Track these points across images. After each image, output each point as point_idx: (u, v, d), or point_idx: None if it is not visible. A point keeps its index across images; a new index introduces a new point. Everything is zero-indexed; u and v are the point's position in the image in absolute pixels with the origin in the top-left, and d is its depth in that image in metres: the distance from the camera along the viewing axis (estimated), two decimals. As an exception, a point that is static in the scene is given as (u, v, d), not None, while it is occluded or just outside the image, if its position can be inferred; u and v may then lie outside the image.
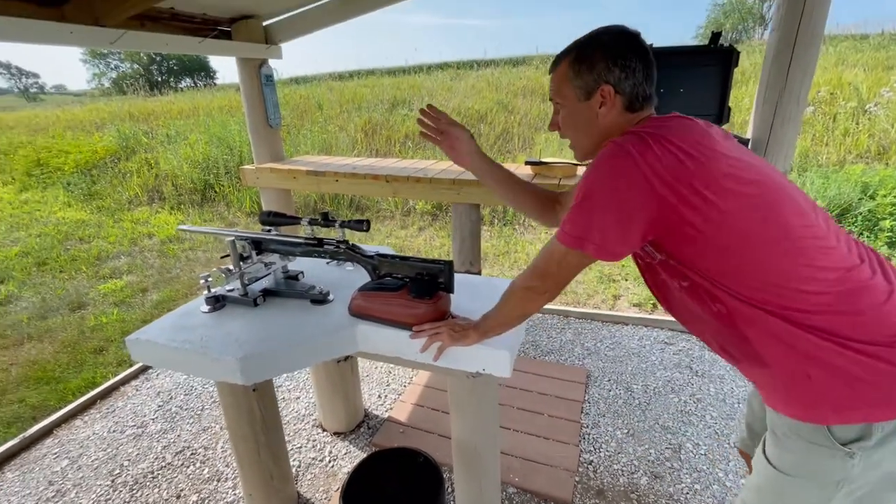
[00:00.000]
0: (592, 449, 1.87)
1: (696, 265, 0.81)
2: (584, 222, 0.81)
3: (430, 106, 1.24)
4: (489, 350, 1.15)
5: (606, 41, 0.88)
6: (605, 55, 0.87)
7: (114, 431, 2.11)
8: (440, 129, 1.22)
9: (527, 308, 1.01)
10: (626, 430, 1.95)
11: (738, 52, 2.10)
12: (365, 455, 1.89)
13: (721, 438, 1.88)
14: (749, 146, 2.05)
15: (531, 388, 2.21)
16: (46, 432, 2.12)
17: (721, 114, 2.20)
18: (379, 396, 2.26)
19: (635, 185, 0.76)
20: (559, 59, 0.94)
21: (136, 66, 29.68)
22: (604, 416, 2.05)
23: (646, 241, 0.84)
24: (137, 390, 2.41)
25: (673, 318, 1.00)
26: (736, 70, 2.12)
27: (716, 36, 2.12)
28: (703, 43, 2.22)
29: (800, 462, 0.81)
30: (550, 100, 0.99)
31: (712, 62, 2.12)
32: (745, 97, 6.11)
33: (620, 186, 0.77)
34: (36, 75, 48.39)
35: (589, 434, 1.94)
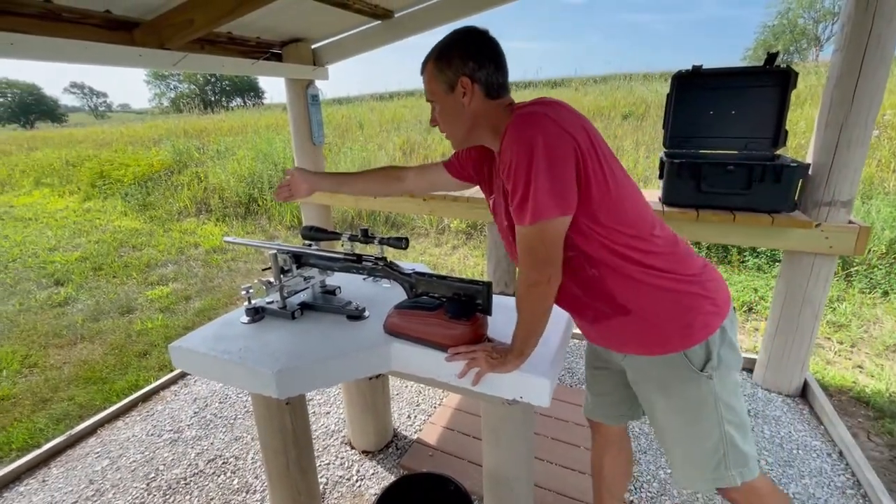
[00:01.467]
0: (633, 488, 1.75)
1: (591, 212, 0.92)
2: (540, 188, 0.86)
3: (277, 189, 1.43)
4: (528, 377, 1.10)
5: (459, 40, 1.00)
6: (458, 52, 0.99)
7: (152, 435, 2.17)
8: (288, 189, 1.39)
9: (543, 304, 1.01)
10: (669, 471, 1.82)
11: (797, 73, 2.01)
12: (393, 477, 1.85)
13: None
14: (810, 171, 1.92)
15: (567, 417, 2.11)
16: (91, 431, 2.21)
17: (777, 137, 2.09)
18: (409, 416, 2.22)
19: (561, 138, 0.87)
20: (425, 61, 1.05)
21: (192, 86, 31.84)
22: (645, 453, 1.92)
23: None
24: (176, 395, 2.48)
25: None
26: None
27: (772, 57, 2.04)
28: (753, 65, 2.14)
29: (683, 398, 1.02)
30: (428, 101, 1.09)
31: (769, 83, 2.03)
32: (799, 120, 5.83)
33: (551, 143, 0.86)
34: (105, 95, 52.79)
35: (629, 472, 1.82)
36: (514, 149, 0.88)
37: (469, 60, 0.99)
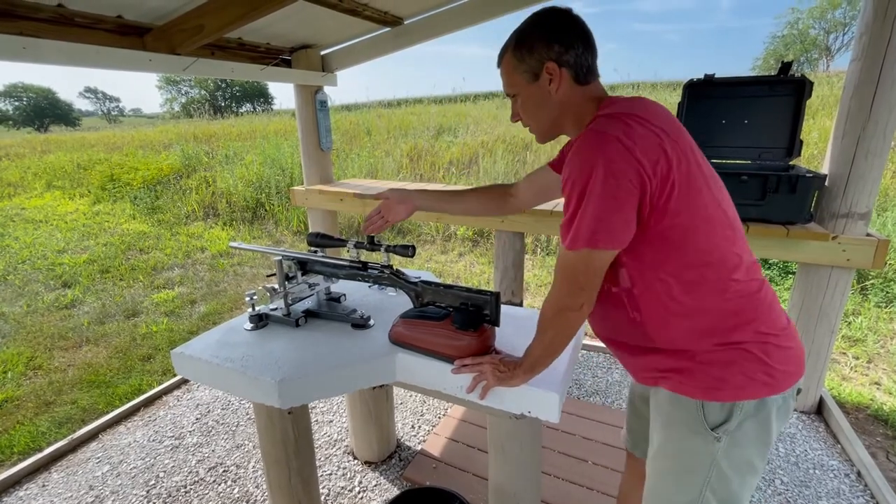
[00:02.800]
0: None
1: (654, 249, 0.84)
2: (594, 217, 0.80)
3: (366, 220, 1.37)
4: (537, 391, 1.07)
5: (540, 22, 0.91)
6: (541, 36, 0.90)
7: (153, 441, 2.15)
8: (381, 217, 1.34)
9: (569, 331, 0.95)
10: None
11: (812, 83, 1.97)
12: (396, 489, 1.81)
13: (793, 508, 1.66)
14: (826, 182, 1.88)
15: (574, 431, 2.07)
16: (92, 436, 2.19)
17: (792, 146, 2.05)
18: (412, 427, 2.19)
19: (629, 169, 0.77)
20: (502, 52, 0.97)
21: (203, 92, 32.28)
22: (655, 469, 1.87)
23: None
24: (178, 401, 2.46)
25: None
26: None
27: (786, 66, 2.00)
28: (767, 74, 2.11)
29: (680, 445, 0.92)
30: (507, 95, 1.01)
31: (783, 93, 2.00)
32: (812, 130, 5.77)
33: (616, 172, 0.77)
34: (117, 99, 53.62)
35: (638, 489, 1.77)
36: (575, 166, 0.81)
37: (554, 43, 0.89)
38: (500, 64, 0.98)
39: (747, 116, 2.12)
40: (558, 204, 2.37)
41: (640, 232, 0.83)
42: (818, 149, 5.41)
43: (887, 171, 4.98)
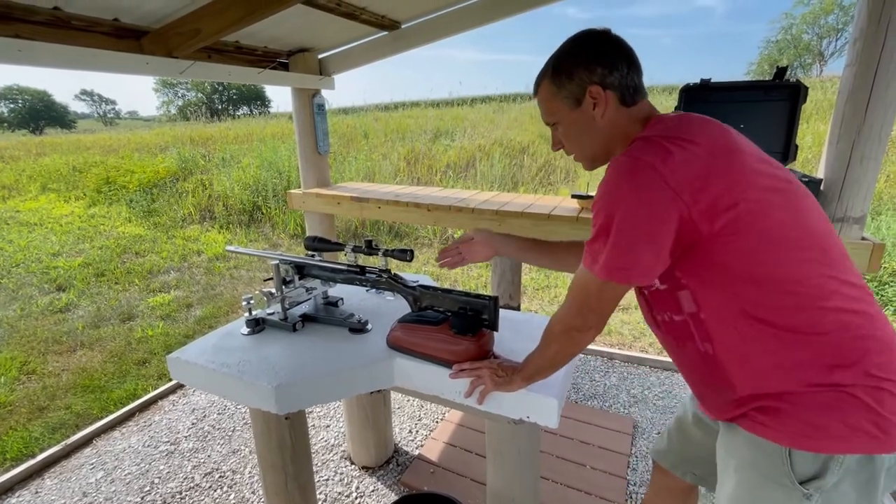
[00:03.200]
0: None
1: (704, 282, 0.77)
2: (616, 250, 0.76)
3: (442, 251, 1.31)
4: (536, 396, 1.07)
5: (579, 46, 0.87)
6: (581, 59, 0.86)
7: (148, 446, 2.13)
8: (459, 253, 1.28)
9: (573, 349, 0.94)
10: None
11: (807, 88, 1.99)
12: (393, 494, 1.80)
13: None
14: (821, 186, 1.89)
15: (573, 435, 2.06)
16: (86, 441, 2.17)
17: (787, 151, 2.07)
18: (410, 431, 2.17)
19: (662, 199, 0.72)
20: (539, 80, 0.93)
21: (200, 95, 32.23)
22: (653, 473, 1.86)
23: (672, 257, 0.78)
24: (174, 405, 2.44)
25: None
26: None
27: (781, 71, 2.02)
28: (762, 79, 2.12)
29: (757, 495, 0.79)
30: (547, 124, 0.96)
31: (778, 98, 2.01)
32: (805, 135, 5.81)
33: (647, 201, 0.72)
34: (114, 102, 53.44)
35: (637, 493, 1.76)
36: (605, 192, 0.77)
37: (596, 66, 0.84)
38: (536, 93, 0.94)
39: (743, 121, 2.13)
40: (556, 207, 2.37)
41: (696, 257, 0.76)
42: (812, 153, 5.45)
43: (882, 175, 5.02)
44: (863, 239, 1.85)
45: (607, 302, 0.83)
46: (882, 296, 3.43)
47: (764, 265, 0.73)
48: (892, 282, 3.50)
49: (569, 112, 0.89)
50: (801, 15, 24.27)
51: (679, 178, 0.71)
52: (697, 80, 2.14)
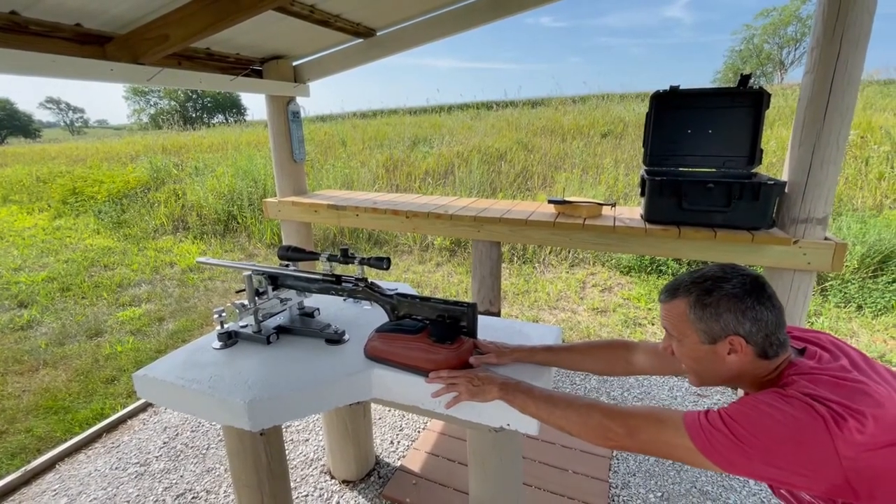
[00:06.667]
0: (623, 513, 1.70)
1: None
2: (742, 455, 0.74)
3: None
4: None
5: (731, 291, 0.82)
6: (732, 306, 0.81)
7: (116, 468, 2.03)
8: (493, 355, 1.20)
9: (584, 435, 0.91)
10: (659, 494, 1.78)
11: (770, 94, 2.06)
12: (374, 509, 1.76)
13: (767, 508, 1.69)
14: (786, 189, 1.96)
15: (554, 440, 2.06)
16: (49, 466, 2.05)
17: (753, 155, 2.14)
18: (391, 442, 2.14)
19: (823, 458, 0.69)
20: (674, 293, 0.88)
21: (173, 102, 31.48)
22: (634, 475, 1.88)
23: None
24: (144, 424, 2.34)
25: None
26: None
27: (745, 78, 2.09)
28: (728, 86, 2.20)
29: None
30: (664, 328, 0.92)
31: (743, 104, 2.08)
32: (770, 140, 6.04)
33: (803, 451, 0.70)
34: (82, 110, 51.62)
35: (619, 496, 1.77)
36: (769, 411, 0.74)
37: (745, 320, 0.80)
38: (666, 301, 0.90)
39: (711, 126, 2.20)
40: (533, 213, 2.39)
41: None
42: (777, 157, 5.66)
43: (841, 178, 5.26)
44: (826, 239, 1.92)
45: (662, 450, 0.82)
46: (845, 293, 3.57)
47: None
48: (853, 279, 3.65)
49: (698, 342, 0.85)
50: (762, 26, 25.38)
51: (849, 445, 0.69)
52: (667, 87, 2.20)
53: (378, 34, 2.68)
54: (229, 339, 1.35)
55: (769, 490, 1.76)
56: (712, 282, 0.84)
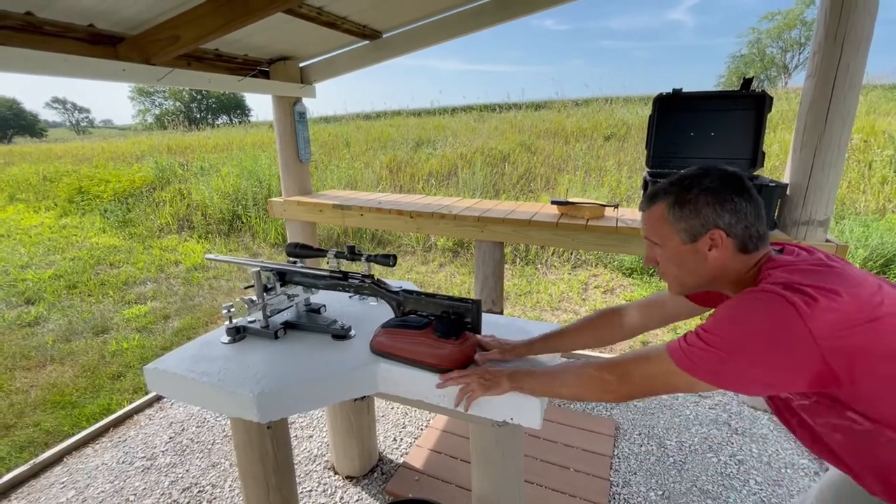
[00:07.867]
0: (623, 511, 1.71)
1: (864, 407, 0.73)
2: (723, 363, 0.75)
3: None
4: (519, 398, 1.08)
5: (709, 185, 0.84)
6: (712, 199, 0.83)
7: (123, 462, 2.06)
8: (498, 352, 1.23)
9: (585, 394, 0.93)
10: (660, 492, 1.80)
11: (772, 98, 2.08)
12: (378, 504, 1.78)
13: (767, 507, 1.70)
14: (787, 191, 1.98)
15: (556, 438, 2.08)
16: (56, 459, 2.08)
17: (755, 158, 2.16)
18: (394, 439, 2.16)
19: (799, 344, 0.70)
20: (653, 198, 0.90)
21: (178, 103, 31.66)
22: (635, 474, 1.89)
23: (793, 392, 0.78)
24: (150, 419, 2.37)
25: None
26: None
27: (747, 82, 2.11)
28: (730, 89, 2.22)
29: None
30: (644, 237, 0.94)
31: (746, 107, 2.10)
32: (772, 143, 6.05)
33: (780, 342, 0.71)
34: (87, 110, 51.95)
35: (619, 494, 1.79)
36: (741, 315, 0.75)
37: (724, 212, 0.82)
38: (646, 208, 0.91)
39: (714, 129, 2.22)
40: (536, 214, 2.41)
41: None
42: (779, 160, 5.67)
43: (842, 181, 5.26)
44: (827, 241, 1.94)
45: (659, 386, 0.84)
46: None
47: None
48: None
49: (679, 244, 0.87)
50: (766, 30, 25.34)
51: (826, 331, 0.69)
52: (670, 90, 2.22)
53: (384, 36, 2.71)
54: (238, 333, 1.37)
55: (769, 489, 1.77)
56: (690, 179, 0.86)
